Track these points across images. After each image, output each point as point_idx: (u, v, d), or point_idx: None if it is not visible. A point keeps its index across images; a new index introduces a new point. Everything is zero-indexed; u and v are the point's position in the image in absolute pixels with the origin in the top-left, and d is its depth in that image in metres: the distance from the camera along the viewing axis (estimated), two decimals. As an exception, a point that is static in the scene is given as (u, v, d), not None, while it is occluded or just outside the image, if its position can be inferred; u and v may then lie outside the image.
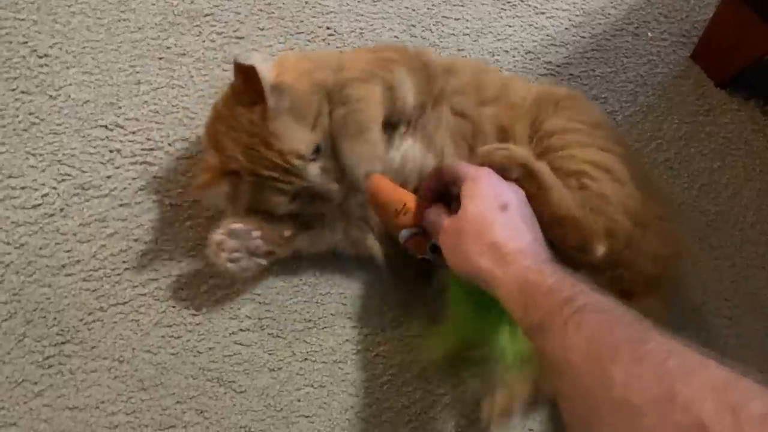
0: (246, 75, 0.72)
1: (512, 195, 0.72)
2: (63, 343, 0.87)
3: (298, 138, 0.75)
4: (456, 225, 0.70)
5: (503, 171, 0.75)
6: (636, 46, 1.26)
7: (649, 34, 1.27)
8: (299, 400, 0.88)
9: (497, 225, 0.68)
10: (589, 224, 0.79)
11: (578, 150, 0.86)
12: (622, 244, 0.83)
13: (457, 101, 0.92)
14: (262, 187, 0.76)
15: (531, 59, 1.21)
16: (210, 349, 0.90)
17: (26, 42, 1.03)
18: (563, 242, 0.78)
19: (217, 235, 0.80)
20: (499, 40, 1.22)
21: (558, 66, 1.22)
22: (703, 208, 1.13)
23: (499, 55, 1.20)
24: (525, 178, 0.78)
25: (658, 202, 0.92)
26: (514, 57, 1.21)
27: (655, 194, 0.93)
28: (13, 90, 0.99)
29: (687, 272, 1.06)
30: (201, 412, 0.86)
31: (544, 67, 1.21)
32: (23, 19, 1.05)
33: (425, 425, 0.91)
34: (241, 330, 0.91)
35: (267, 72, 0.73)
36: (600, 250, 0.79)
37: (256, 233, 0.81)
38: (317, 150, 0.77)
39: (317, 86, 0.79)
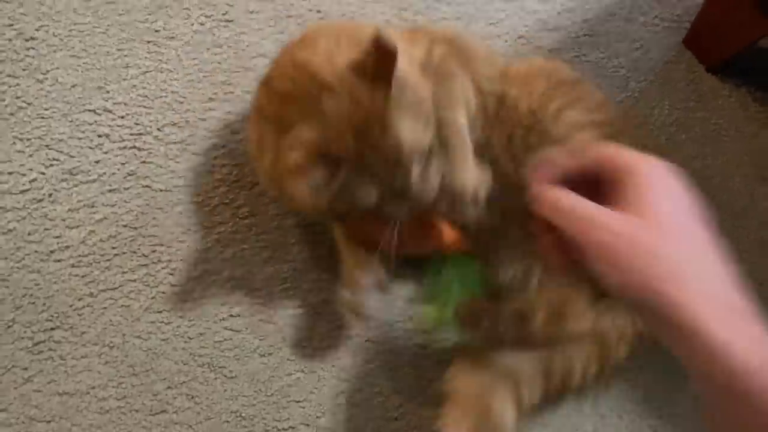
0: (383, 55, 0.61)
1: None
2: (53, 329, 0.87)
3: (414, 132, 0.67)
4: (635, 230, 0.46)
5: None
6: (628, 31, 1.26)
7: (641, 18, 1.27)
8: (290, 386, 0.89)
9: (711, 257, 0.47)
10: None
11: None
12: None
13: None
14: (361, 174, 0.66)
15: (523, 44, 1.21)
16: (200, 334, 0.90)
17: (12, 24, 1.03)
18: None
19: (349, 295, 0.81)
20: (490, 24, 1.21)
21: (550, 51, 1.22)
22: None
23: (490, 39, 1.20)
24: None
25: None
26: (506, 42, 1.21)
27: None
28: (0, 73, 0.99)
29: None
30: (192, 397, 0.87)
31: (537, 52, 1.21)
32: (8, 2, 1.04)
33: (416, 411, 0.92)
34: (231, 316, 0.92)
35: (402, 60, 0.63)
36: None
37: (380, 271, 0.82)
38: (424, 154, 0.70)
39: (429, 98, 0.72)
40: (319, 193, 0.66)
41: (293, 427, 0.87)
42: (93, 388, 0.85)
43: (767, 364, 0.42)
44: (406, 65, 0.67)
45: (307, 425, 0.88)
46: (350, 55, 0.65)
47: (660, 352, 0.99)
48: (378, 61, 0.62)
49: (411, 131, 0.66)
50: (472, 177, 0.79)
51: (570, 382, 0.86)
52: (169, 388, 0.87)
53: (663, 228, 0.46)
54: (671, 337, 0.44)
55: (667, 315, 0.43)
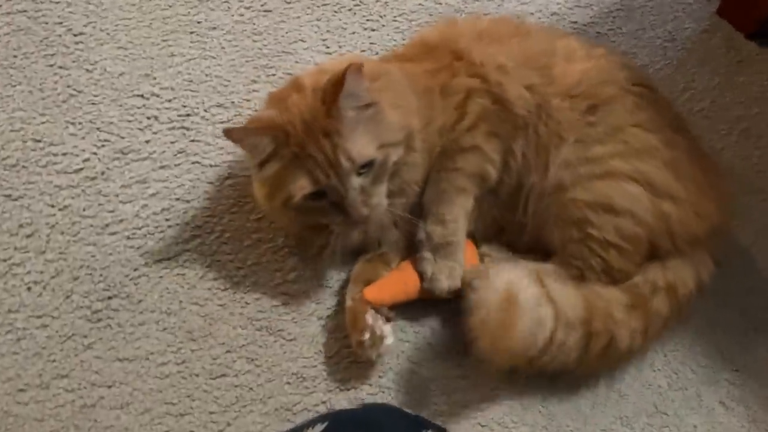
0: (339, 80, 0.75)
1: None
2: (110, 297, 0.87)
3: (358, 144, 0.76)
4: None
5: None
6: (661, 4, 1.27)
7: (674, -9, 1.27)
8: (349, 346, 0.86)
9: None
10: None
11: (583, 191, 0.85)
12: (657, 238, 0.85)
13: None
14: (299, 164, 0.76)
15: (557, 20, 1.22)
16: (257, 299, 0.89)
17: (61, 22, 1.07)
18: None
19: (364, 337, 0.82)
20: (523, 3, 1.23)
21: (584, 25, 1.23)
22: (745, 154, 1.12)
23: (524, 17, 1.20)
24: None
25: (695, 161, 0.90)
26: (539, 19, 1.22)
27: (693, 153, 0.90)
28: (51, 65, 1.02)
29: (735, 215, 1.03)
30: (251, 360, 0.85)
31: (571, 27, 1.22)
32: (58, 2, 1.09)
33: (478, 366, 0.88)
34: (286, 281, 0.91)
35: (361, 83, 0.77)
36: None
37: (389, 312, 0.85)
38: (369, 165, 0.77)
39: (405, 130, 0.81)
40: (262, 164, 0.79)
41: (355, 387, 0.85)
42: (152, 353, 0.84)
43: None
44: (377, 92, 0.79)
45: (370, 385, 0.85)
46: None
47: (730, 306, 0.95)
48: (334, 84, 0.75)
49: (360, 140, 0.75)
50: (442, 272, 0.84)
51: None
52: (228, 351, 0.85)
53: None
54: None
55: None
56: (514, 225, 0.90)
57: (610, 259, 0.83)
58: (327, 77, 0.77)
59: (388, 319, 0.84)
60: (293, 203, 0.78)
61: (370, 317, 0.81)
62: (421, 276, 0.85)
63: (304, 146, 0.75)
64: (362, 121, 0.76)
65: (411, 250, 0.89)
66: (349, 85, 0.74)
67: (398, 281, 0.85)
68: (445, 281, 0.83)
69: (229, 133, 0.77)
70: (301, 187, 0.77)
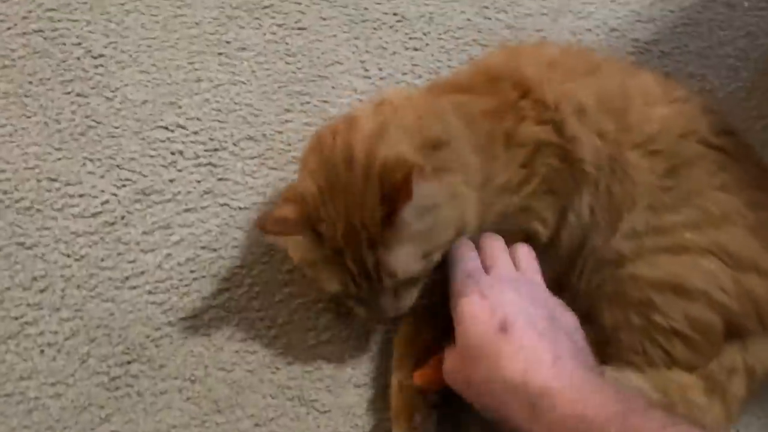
0: (397, 191, 0.61)
1: (515, 301, 0.62)
2: (129, 362, 0.79)
3: (404, 260, 0.64)
4: (454, 361, 0.64)
5: None
6: (731, 18, 1.14)
7: (745, 4, 1.16)
8: (388, 420, 0.79)
9: (504, 360, 0.58)
10: None
11: (647, 266, 0.72)
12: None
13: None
14: (331, 265, 0.66)
15: (617, 37, 1.11)
16: (289, 364, 0.81)
17: (80, 43, 0.98)
18: None
19: None
20: (580, 18, 1.12)
21: (646, 43, 1.11)
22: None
23: (581, 34, 1.10)
24: None
25: None
26: (597, 36, 1.11)
27: None
28: (69, 93, 0.94)
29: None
30: (282, 436, 0.78)
31: (632, 45, 1.10)
32: (76, 20, 0.99)
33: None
34: (320, 342, 0.83)
35: (425, 193, 0.63)
36: None
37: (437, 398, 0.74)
38: (409, 281, 0.67)
39: (460, 225, 0.69)
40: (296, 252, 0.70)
41: (395, 468, 0.77)
42: (174, 427, 0.77)
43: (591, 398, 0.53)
44: (436, 172, 0.65)
45: (412, 465, 0.77)
46: (399, 147, 0.65)
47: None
48: (396, 191, 0.60)
49: (406, 255, 0.64)
50: None
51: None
52: (257, 425, 0.78)
53: (464, 355, 0.63)
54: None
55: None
56: (570, 287, 0.78)
57: (675, 351, 0.70)
58: (385, 151, 0.64)
59: (434, 406, 0.75)
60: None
61: (418, 419, 0.73)
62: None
63: (342, 253, 0.64)
64: (416, 230, 0.63)
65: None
66: (416, 197, 0.60)
67: None
68: None
69: (262, 228, 0.68)
70: (329, 285, 0.69)
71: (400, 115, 0.71)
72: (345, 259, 0.64)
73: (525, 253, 0.71)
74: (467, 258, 0.70)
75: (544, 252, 0.77)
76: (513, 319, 0.59)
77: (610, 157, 0.75)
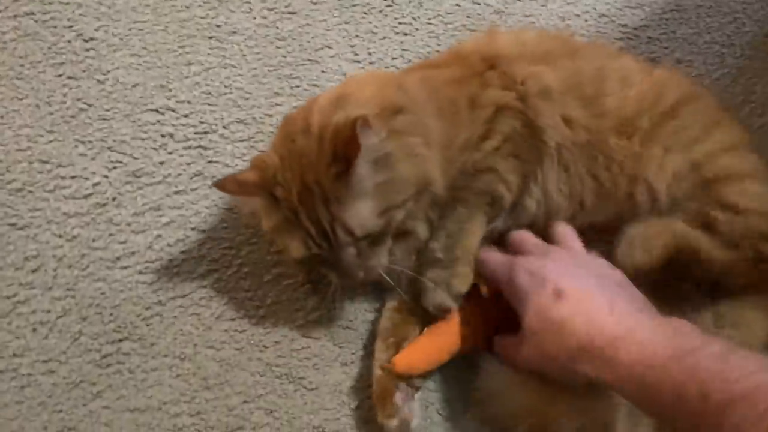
0: (351, 144, 0.63)
1: (559, 269, 0.65)
2: (120, 340, 0.81)
3: (360, 215, 0.66)
4: (528, 346, 0.65)
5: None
6: (719, 4, 1.15)
7: (733, -10, 1.16)
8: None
9: (568, 324, 0.60)
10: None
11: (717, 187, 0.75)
12: None
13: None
14: (291, 227, 0.68)
15: (605, 23, 1.12)
16: (276, 343, 0.83)
17: (71, 26, 0.98)
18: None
19: (392, 424, 0.74)
20: (569, 3, 1.12)
21: (635, 29, 1.12)
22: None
23: (570, 19, 1.11)
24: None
25: None
26: (586, 21, 1.11)
27: None
28: (60, 76, 0.94)
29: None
30: (270, 412, 0.79)
31: (620, 31, 1.11)
32: (68, 3, 1.00)
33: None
34: (308, 322, 0.84)
35: (372, 142, 0.65)
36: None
37: (404, 388, 0.75)
38: (366, 237, 0.67)
39: (421, 182, 0.70)
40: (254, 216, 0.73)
41: (381, 443, 0.79)
42: (165, 403, 0.78)
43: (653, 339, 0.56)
44: (392, 134, 0.68)
45: (397, 440, 0.79)
46: (355, 113, 0.65)
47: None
48: (344, 144, 0.63)
49: (363, 210, 0.65)
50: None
51: None
52: (245, 402, 0.79)
53: (533, 337, 0.64)
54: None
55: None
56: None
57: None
58: (338, 116, 0.66)
59: (417, 388, 0.77)
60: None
61: (400, 398, 0.74)
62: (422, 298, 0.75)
63: (298, 214, 0.66)
64: (370, 184, 0.65)
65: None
66: (364, 147, 0.62)
67: (432, 345, 0.77)
68: (439, 295, 0.72)
69: (219, 187, 0.71)
70: (295, 248, 0.70)
71: (361, 87, 0.74)
72: (301, 219, 0.66)
73: (561, 228, 0.74)
74: (499, 257, 0.71)
75: (509, 216, 0.79)
76: (563, 284, 0.62)
77: (589, 144, 0.77)
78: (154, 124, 0.93)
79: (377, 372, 0.77)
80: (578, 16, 1.12)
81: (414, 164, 0.68)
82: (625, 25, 1.12)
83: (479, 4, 1.10)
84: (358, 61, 1.02)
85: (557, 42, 0.88)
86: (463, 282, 0.73)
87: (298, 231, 0.67)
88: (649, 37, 1.11)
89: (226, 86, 0.97)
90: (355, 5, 1.06)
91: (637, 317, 0.59)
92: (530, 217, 0.78)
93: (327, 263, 0.70)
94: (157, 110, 0.94)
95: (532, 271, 0.64)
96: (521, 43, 0.84)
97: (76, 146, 0.90)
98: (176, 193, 0.89)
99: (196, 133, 0.93)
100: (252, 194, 0.69)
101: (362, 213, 0.65)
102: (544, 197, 0.77)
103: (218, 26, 1.01)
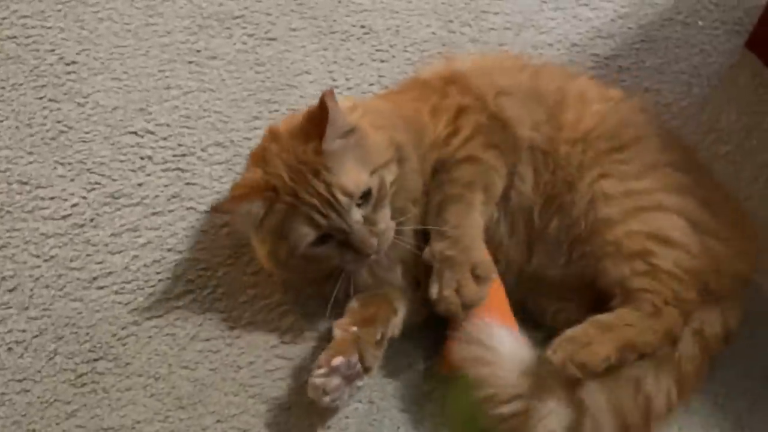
0: (319, 114, 0.71)
1: None
2: (96, 359, 0.82)
3: (351, 176, 0.72)
4: None
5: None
6: (687, 36, 1.20)
7: (700, 23, 1.21)
8: (347, 417, 0.82)
9: None
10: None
11: (637, 223, 0.81)
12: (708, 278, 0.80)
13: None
14: (296, 213, 0.72)
15: (577, 52, 1.16)
16: (250, 363, 0.84)
17: (53, 50, 1.01)
18: None
19: (319, 379, 0.74)
20: (542, 33, 1.16)
21: (606, 58, 1.16)
22: (771, 203, 1.05)
23: (542, 48, 1.15)
24: None
25: (726, 203, 0.88)
26: (558, 50, 1.15)
27: (723, 196, 0.89)
28: (41, 98, 0.97)
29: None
30: (244, 431, 0.81)
31: (592, 60, 1.15)
32: (50, 27, 1.02)
33: None
34: (282, 342, 0.86)
35: (339, 110, 0.73)
36: None
37: (355, 359, 0.75)
38: (366, 194, 0.73)
39: (393, 145, 0.77)
40: (261, 226, 0.75)
41: (353, 465, 0.81)
42: (138, 422, 0.80)
43: None
44: (356, 119, 0.76)
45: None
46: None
47: (751, 378, 0.90)
48: (313, 118, 0.72)
49: (352, 171, 0.72)
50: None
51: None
52: (219, 421, 0.81)
53: None
54: None
55: None
56: (561, 273, 0.86)
57: (680, 290, 0.78)
58: (300, 118, 0.75)
59: (366, 369, 0.78)
60: (299, 253, 0.74)
61: (340, 362, 0.75)
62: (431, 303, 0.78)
63: (297, 194, 0.72)
64: (348, 150, 0.73)
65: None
66: (331, 114, 0.70)
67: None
68: (454, 297, 0.75)
69: (218, 209, 0.74)
70: (304, 235, 0.73)
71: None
72: (302, 197, 0.71)
73: None
74: None
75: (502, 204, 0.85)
76: None
77: (545, 152, 0.84)
78: (133, 146, 0.95)
79: (336, 331, 0.80)
80: (551, 45, 1.15)
81: (382, 133, 0.77)
82: (596, 55, 1.16)
83: (454, 32, 1.13)
84: (336, 87, 1.05)
85: (515, 61, 0.95)
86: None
87: (302, 212, 0.72)
88: (620, 66, 1.15)
89: (204, 110, 1.00)
90: (333, 32, 1.10)
91: None
92: (514, 212, 0.84)
93: (341, 243, 0.74)
94: (136, 133, 0.96)
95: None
96: (479, 61, 0.92)
97: (55, 168, 0.92)
98: (154, 214, 0.91)
99: (174, 155, 0.95)
100: (252, 197, 0.73)
101: (351, 174, 0.72)
102: (524, 189, 0.84)
103: (198, 51, 1.04)
